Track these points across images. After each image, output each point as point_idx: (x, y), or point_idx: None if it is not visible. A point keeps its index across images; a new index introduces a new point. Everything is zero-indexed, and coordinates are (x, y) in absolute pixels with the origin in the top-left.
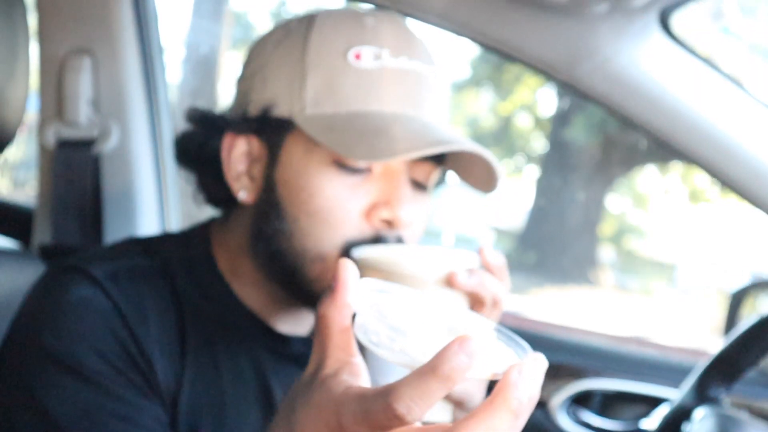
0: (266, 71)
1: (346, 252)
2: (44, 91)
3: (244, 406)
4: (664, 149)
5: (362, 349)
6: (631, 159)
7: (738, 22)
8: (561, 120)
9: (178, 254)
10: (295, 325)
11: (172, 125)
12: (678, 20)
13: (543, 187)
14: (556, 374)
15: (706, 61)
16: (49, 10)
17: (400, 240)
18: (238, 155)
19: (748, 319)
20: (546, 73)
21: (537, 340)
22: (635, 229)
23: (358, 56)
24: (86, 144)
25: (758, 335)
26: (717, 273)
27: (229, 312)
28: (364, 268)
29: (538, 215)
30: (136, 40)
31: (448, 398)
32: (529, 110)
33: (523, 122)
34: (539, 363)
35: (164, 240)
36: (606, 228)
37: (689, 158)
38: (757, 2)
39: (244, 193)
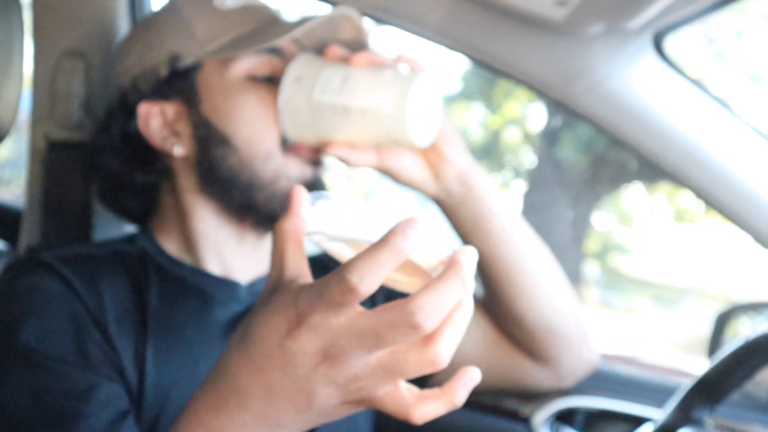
0: (152, 35)
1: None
2: (37, 92)
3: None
4: (652, 169)
5: None
6: (619, 177)
7: (731, 46)
8: (550, 137)
9: (126, 247)
10: (250, 270)
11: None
12: (672, 43)
13: (530, 202)
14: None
15: (699, 84)
16: (44, 12)
17: None
18: (156, 122)
19: (732, 341)
20: (539, 91)
21: None
22: (620, 247)
23: (221, 1)
24: (77, 146)
25: (742, 358)
26: (701, 293)
27: (186, 278)
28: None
29: None
30: None
31: None
32: (519, 125)
33: (512, 137)
34: (474, 252)
35: (111, 240)
36: (591, 245)
37: (678, 180)
38: (750, 27)
39: (177, 148)
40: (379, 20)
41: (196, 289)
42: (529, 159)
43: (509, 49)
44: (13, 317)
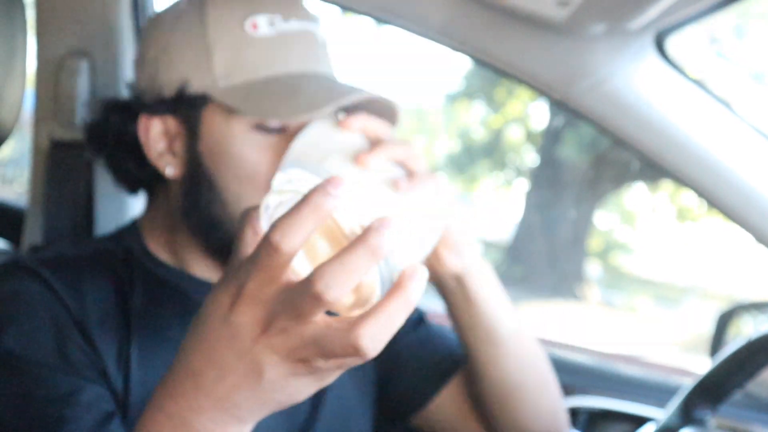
0: (170, 53)
1: None
2: (40, 92)
3: None
4: (654, 169)
5: None
6: (621, 176)
7: (733, 46)
8: (552, 136)
9: (110, 246)
10: None
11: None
12: (674, 43)
13: (532, 201)
14: None
15: (700, 84)
16: (47, 12)
17: None
18: (156, 135)
19: (734, 341)
20: (541, 91)
21: None
22: (622, 246)
23: (254, 26)
24: (80, 146)
25: (745, 357)
26: (703, 293)
27: (170, 280)
28: None
29: (526, 229)
30: (134, 44)
31: None
32: (521, 124)
33: (514, 136)
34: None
35: (95, 239)
36: (593, 244)
37: (680, 180)
38: (751, 28)
39: (170, 168)
40: (381, 20)
41: (180, 291)
42: (531, 158)
43: (511, 49)
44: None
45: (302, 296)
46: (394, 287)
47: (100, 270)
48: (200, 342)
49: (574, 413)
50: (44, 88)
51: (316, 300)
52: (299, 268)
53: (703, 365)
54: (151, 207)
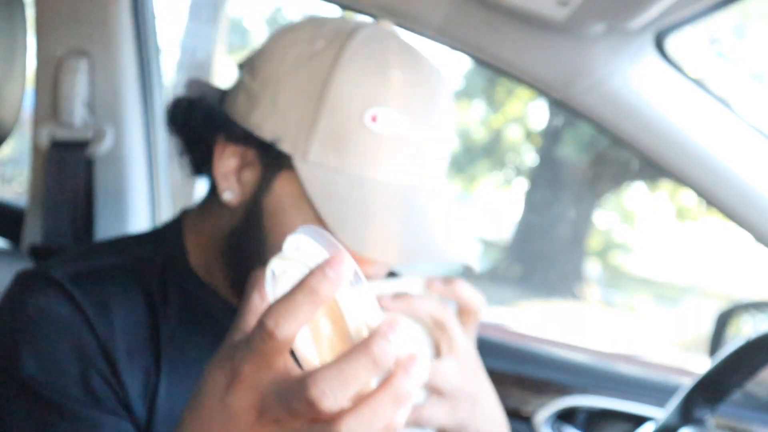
0: (277, 98)
1: None
2: (40, 91)
3: None
4: (654, 168)
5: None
6: (620, 176)
7: (732, 46)
8: (552, 135)
9: (149, 252)
10: None
11: (167, 129)
12: (673, 43)
13: (532, 200)
14: (541, 390)
15: (700, 84)
16: (47, 11)
17: None
18: (230, 155)
19: (733, 340)
20: (541, 90)
21: (522, 354)
22: (622, 245)
23: (374, 118)
24: (80, 145)
25: (744, 357)
26: (703, 292)
27: (205, 305)
28: None
29: (525, 228)
30: (133, 43)
31: None
32: (521, 124)
33: (513, 135)
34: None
35: (137, 239)
36: (593, 243)
37: (679, 179)
38: (751, 28)
39: (229, 194)
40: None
41: (212, 316)
42: (530, 157)
43: (511, 48)
44: (16, 343)
45: (296, 397)
46: (385, 381)
47: (134, 287)
48: (197, 418)
49: (574, 412)
50: (44, 87)
51: (309, 405)
52: (302, 348)
53: (702, 365)
54: (205, 209)
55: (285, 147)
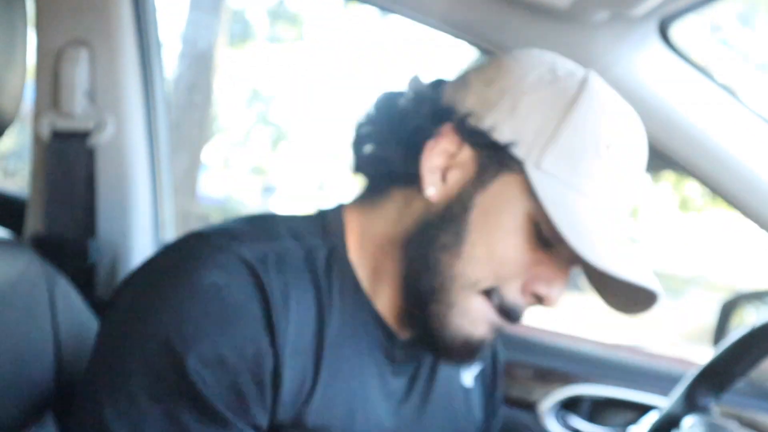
0: (519, 100)
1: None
2: (40, 82)
3: (371, 413)
4: (657, 158)
5: None
6: None
7: (736, 34)
8: None
9: (318, 241)
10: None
11: (168, 119)
12: (677, 31)
13: None
14: (545, 379)
15: (704, 71)
16: (47, 2)
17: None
18: (442, 150)
19: (737, 329)
20: None
21: (527, 345)
22: None
23: (608, 146)
24: (81, 135)
25: (748, 346)
26: (707, 282)
27: (360, 310)
28: None
29: None
30: (134, 33)
31: None
32: None
33: None
34: None
35: (304, 222)
36: None
37: (684, 168)
38: (755, 16)
39: (432, 189)
40: (385, 9)
41: (365, 324)
42: None
43: (514, 36)
44: (186, 331)
45: None
46: None
47: (307, 280)
48: None
49: (578, 401)
50: (44, 78)
51: None
52: None
53: (706, 356)
54: (376, 205)
55: (518, 150)
